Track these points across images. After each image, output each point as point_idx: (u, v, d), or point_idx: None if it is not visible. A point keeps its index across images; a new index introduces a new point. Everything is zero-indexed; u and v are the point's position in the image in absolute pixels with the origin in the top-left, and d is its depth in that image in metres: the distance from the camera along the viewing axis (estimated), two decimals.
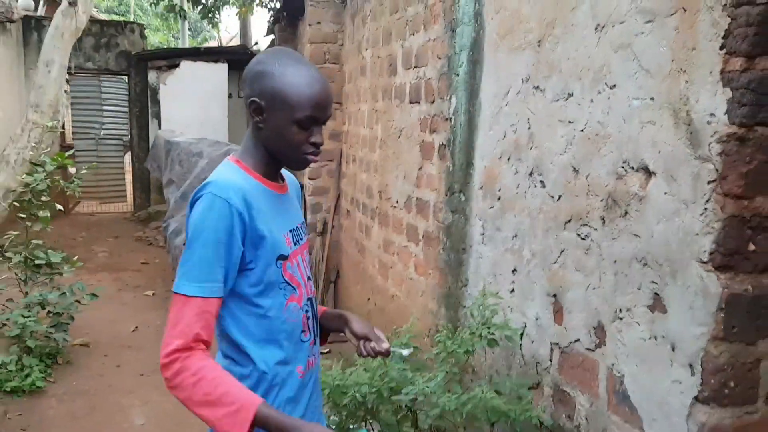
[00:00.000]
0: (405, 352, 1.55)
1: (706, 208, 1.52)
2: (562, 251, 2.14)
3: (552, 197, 2.21)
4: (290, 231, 1.50)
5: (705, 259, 1.52)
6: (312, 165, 6.13)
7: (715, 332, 1.51)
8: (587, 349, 2.00)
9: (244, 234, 1.37)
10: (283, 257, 1.44)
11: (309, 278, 1.56)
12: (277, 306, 1.44)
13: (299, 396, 1.49)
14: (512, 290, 2.49)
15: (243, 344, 1.43)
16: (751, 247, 1.50)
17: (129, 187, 11.46)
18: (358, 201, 5.11)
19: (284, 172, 1.59)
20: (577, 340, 2.05)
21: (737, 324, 1.50)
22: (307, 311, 1.52)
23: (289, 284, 1.46)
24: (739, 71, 1.46)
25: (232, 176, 1.42)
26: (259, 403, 1.29)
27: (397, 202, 4.01)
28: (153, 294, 6.38)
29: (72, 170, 5.10)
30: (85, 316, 4.93)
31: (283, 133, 1.40)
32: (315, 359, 1.57)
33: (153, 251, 8.32)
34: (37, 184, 4.65)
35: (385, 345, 1.54)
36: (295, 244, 1.50)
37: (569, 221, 2.10)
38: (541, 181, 2.28)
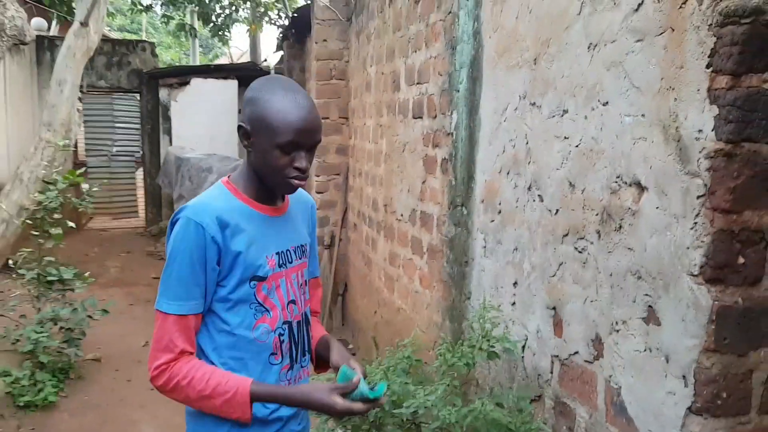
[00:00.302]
0: (367, 391, 1.46)
1: (696, 222, 1.55)
2: (561, 264, 2.17)
3: (550, 211, 2.24)
4: (277, 253, 1.52)
5: (696, 273, 1.55)
6: (319, 179, 6.15)
7: (707, 344, 1.53)
8: (586, 361, 2.02)
9: (219, 254, 1.43)
10: (259, 278, 1.47)
11: (292, 301, 1.55)
12: (244, 325, 1.47)
13: (267, 418, 1.50)
14: (513, 303, 2.52)
15: (211, 358, 1.49)
16: (741, 260, 1.53)
17: (141, 203, 11.60)
18: (364, 214, 5.16)
19: (301, 192, 1.62)
20: (576, 352, 2.07)
21: (728, 336, 1.53)
22: (281, 334, 1.52)
23: (262, 305, 1.48)
24: (725, 89, 1.49)
25: (212, 199, 1.48)
26: (250, 383, 1.40)
27: (401, 215, 4.05)
28: None
29: (85, 186, 5.19)
30: (96, 331, 5.00)
31: (267, 158, 1.44)
32: (290, 384, 1.55)
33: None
34: (50, 202, 4.74)
35: (354, 381, 1.48)
36: (280, 266, 1.52)
37: (567, 235, 2.13)
38: (539, 196, 2.32)
